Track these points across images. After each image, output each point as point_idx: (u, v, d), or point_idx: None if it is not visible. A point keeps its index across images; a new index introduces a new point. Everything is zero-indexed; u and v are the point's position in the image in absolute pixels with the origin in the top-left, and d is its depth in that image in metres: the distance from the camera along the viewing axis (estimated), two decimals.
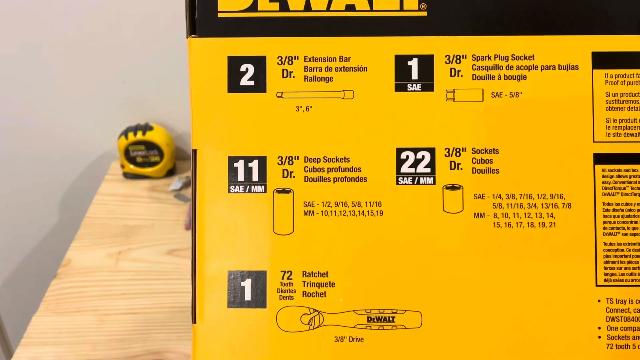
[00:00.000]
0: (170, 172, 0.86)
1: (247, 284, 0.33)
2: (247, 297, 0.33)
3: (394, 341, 0.33)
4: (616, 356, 0.33)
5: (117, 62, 0.82)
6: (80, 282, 0.68)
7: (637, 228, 0.33)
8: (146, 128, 0.84)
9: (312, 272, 0.33)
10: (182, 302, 0.64)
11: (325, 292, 0.33)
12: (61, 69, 0.82)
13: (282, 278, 0.33)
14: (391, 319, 0.33)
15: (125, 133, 0.83)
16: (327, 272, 0.33)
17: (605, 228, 0.33)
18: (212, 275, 0.33)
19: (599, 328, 0.33)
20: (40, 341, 0.60)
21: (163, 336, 0.60)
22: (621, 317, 0.33)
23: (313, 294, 0.33)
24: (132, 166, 0.84)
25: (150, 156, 0.83)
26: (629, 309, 0.33)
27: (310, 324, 0.33)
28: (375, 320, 0.33)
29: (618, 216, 0.33)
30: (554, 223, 0.33)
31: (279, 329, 0.33)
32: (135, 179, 0.85)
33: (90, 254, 0.71)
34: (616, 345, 0.33)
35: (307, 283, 0.33)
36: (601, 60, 0.33)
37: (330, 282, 0.33)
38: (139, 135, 0.83)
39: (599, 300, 0.33)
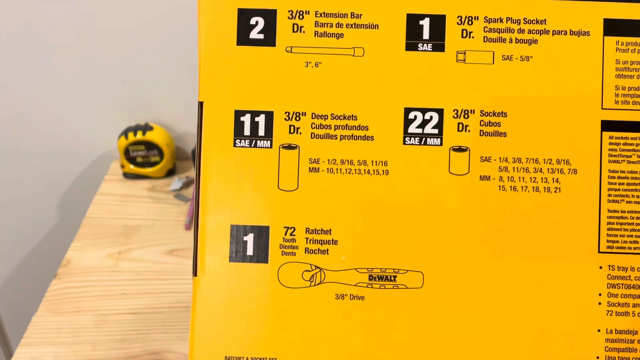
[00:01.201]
0: (170, 172, 0.85)
1: (249, 238, 0.33)
2: (249, 251, 0.33)
3: (394, 300, 0.33)
4: (616, 322, 0.33)
5: (117, 62, 0.82)
6: (80, 282, 0.67)
7: None
8: (146, 128, 0.83)
9: (315, 229, 0.33)
10: (182, 302, 0.64)
11: (327, 250, 0.33)
12: (61, 68, 0.82)
13: (285, 234, 0.33)
14: (393, 278, 0.33)
15: (125, 133, 0.83)
16: (330, 230, 0.33)
17: (610, 195, 0.33)
18: (215, 229, 0.33)
19: (600, 294, 0.33)
20: (40, 341, 0.60)
21: (163, 336, 0.60)
22: (622, 284, 0.33)
23: (315, 251, 0.33)
24: (132, 166, 0.84)
25: (150, 156, 0.83)
26: (630, 276, 0.33)
27: (311, 280, 0.33)
28: (377, 279, 0.33)
29: (623, 184, 0.33)
30: (559, 188, 0.33)
31: (280, 285, 0.33)
32: (135, 179, 0.85)
33: (90, 254, 0.71)
34: (616, 312, 0.33)
35: (310, 240, 0.33)
36: (613, 27, 0.33)
37: (333, 240, 0.33)
38: (139, 135, 0.82)
39: (600, 267, 0.33)
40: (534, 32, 0.33)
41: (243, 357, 0.33)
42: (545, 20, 0.33)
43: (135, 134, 0.82)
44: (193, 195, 0.81)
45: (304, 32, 0.33)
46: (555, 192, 0.33)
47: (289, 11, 0.33)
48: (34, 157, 0.89)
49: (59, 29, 0.80)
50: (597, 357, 0.33)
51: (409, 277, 0.33)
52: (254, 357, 0.33)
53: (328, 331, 0.33)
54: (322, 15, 0.33)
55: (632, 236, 0.33)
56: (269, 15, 0.33)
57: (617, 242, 0.33)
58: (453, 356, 0.33)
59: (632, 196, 0.33)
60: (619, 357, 0.33)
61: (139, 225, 0.76)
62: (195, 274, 0.33)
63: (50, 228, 0.95)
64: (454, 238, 0.33)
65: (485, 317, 0.33)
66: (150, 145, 0.83)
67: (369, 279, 0.33)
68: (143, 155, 0.83)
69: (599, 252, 0.33)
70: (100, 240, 0.73)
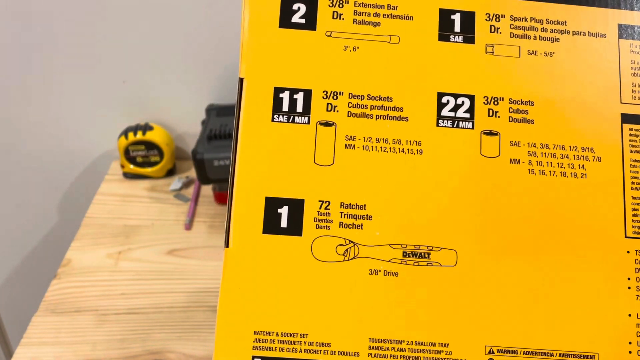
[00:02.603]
0: (170, 172, 0.85)
1: (284, 211, 0.33)
2: (283, 224, 0.33)
3: (428, 277, 0.33)
4: None
5: (117, 62, 0.83)
6: (80, 282, 0.66)
7: None
8: (146, 128, 0.83)
9: (350, 204, 0.33)
10: (182, 302, 0.63)
11: (362, 225, 0.33)
12: (61, 68, 0.82)
13: (320, 208, 0.33)
14: (426, 255, 0.33)
15: (125, 133, 0.83)
16: (364, 205, 0.33)
17: (633, 183, 0.34)
18: (249, 200, 0.33)
19: (629, 279, 0.33)
20: (40, 341, 0.58)
21: (163, 336, 0.59)
22: None
23: (350, 225, 0.33)
24: (132, 166, 0.83)
25: (150, 156, 0.83)
26: None
27: (345, 254, 0.33)
28: (411, 255, 0.33)
29: None
30: (585, 174, 0.34)
31: (313, 258, 0.33)
32: (135, 179, 0.84)
33: (90, 254, 0.70)
34: None
35: (345, 214, 0.33)
36: (626, 32, 0.36)
37: (367, 215, 0.33)
38: (139, 135, 0.82)
39: (628, 252, 0.34)
40: (555, 31, 0.36)
41: (273, 332, 0.32)
42: (565, 22, 0.36)
43: (135, 134, 0.82)
44: (193, 195, 0.80)
45: (343, 19, 0.35)
46: (581, 177, 0.34)
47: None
48: (34, 157, 0.88)
49: (59, 28, 0.80)
50: (630, 343, 0.33)
51: (443, 254, 0.33)
52: (285, 332, 0.32)
53: (361, 307, 0.32)
54: (361, 5, 0.35)
55: None
56: (311, 3, 0.35)
57: None
58: (485, 335, 0.32)
59: None
60: None
61: (139, 225, 0.74)
62: (227, 245, 0.33)
63: (50, 228, 0.93)
64: (486, 218, 0.33)
65: (516, 300, 0.33)
66: (150, 145, 0.82)
67: (403, 255, 0.33)
68: (143, 155, 0.82)
69: (626, 237, 0.34)
70: (100, 240, 0.72)
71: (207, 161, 0.74)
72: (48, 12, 0.79)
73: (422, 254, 0.33)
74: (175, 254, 0.70)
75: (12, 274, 0.96)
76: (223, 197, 0.79)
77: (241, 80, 0.34)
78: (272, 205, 0.33)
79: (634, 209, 0.34)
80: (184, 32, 0.81)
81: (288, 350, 0.32)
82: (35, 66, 0.82)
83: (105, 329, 0.60)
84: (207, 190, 0.83)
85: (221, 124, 0.79)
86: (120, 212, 0.77)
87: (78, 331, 0.60)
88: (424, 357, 0.32)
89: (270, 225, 0.33)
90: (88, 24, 0.80)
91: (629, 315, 0.33)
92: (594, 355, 0.32)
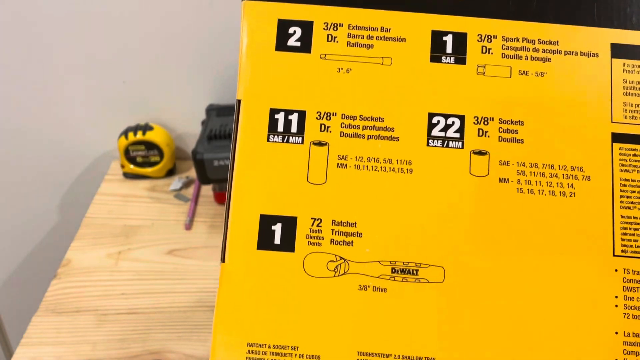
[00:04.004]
0: (170, 172, 0.86)
1: (277, 228, 0.34)
2: (277, 240, 0.34)
3: (416, 294, 0.34)
4: (632, 326, 0.33)
5: (117, 62, 0.83)
6: (80, 282, 0.67)
7: None
8: (146, 128, 0.84)
9: (341, 222, 0.35)
10: (182, 302, 0.64)
11: (352, 242, 0.34)
12: (61, 68, 0.83)
13: (312, 225, 0.35)
14: (415, 272, 0.34)
15: (125, 133, 0.84)
16: (355, 223, 0.35)
17: (622, 202, 0.35)
18: (245, 218, 0.35)
19: (616, 297, 0.34)
20: (40, 341, 0.60)
21: (163, 336, 0.60)
22: (638, 287, 0.34)
23: (340, 242, 0.34)
24: (132, 166, 0.84)
25: (150, 156, 0.84)
26: None
27: (335, 270, 0.34)
28: (400, 272, 0.34)
29: (634, 192, 0.35)
30: (574, 193, 0.35)
31: (305, 274, 0.34)
32: (135, 179, 0.85)
33: (90, 254, 0.71)
34: (633, 315, 0.34)
35: (336, 231, 0.34)
36: (619, 51, 0.36)
37: (358, 232, 0.34)
38: (139, 135, 0.83)
39: (615, 270, 0.34)
40: (547, 51, 0.36)
41: (265, 344, 0.33)
42: (557, 42, 0.37)
43: (135, 134, 0.83)
44: (193, 195, 0.81)
45: (337, 41, 0.36)
46: (570, 196, 0.35)
47: (324, 23, 0.37)
48: (34, 157, 0.89)
49: (59, 28, 0.81)
50: None
51: (431, 271, 0.34)
52: (276, 345, 0.33)
53: (350, 321, 0.33)
54: (355, 28, 0.37)
55: None
56: (306, 26, 0.37)
57: (631, 246, 0.34)
58: (471, 351, 0.33)
59: None
60: None
61: (139, 225, 0.76)
62: (223, 260, 0.34)
63: (50, 228, 0.94)
64: (474, 236, 0.34)
65: (503, 316, 0.34)
66: (150, 145, 0.83)
67: (392, 272, 0.34)
68: (143, 155, 0.83)
69: (614, 255, 0.34)
70: (100, 240, 0.73)
71: (207, 161, 0.75)
72: (48, 13, 0.80)
73: (411, 270, 0.34)
74: (175, 254, 0.71)
75: (12, 274, 0.98)
76: (223, 197, 0.80)
77: (238, 101, 0.36)
78: (266, 222, 0.35)
79: (622, 228, 0.35)
80: (184, 32, 0.81)
81: None
82: (36, 66, 0.83)
83: (106, 329, 0.61)
84: (207, 190, 0.83)
85: (221, 124, 0.80)
86: (120, 212, 0.78)
87: (78, 331, 0.61)
88: None
89: (265, 241, 0.34)
90: (88, 24, 0.81)
91: (616, 333, 0.33)
92: None
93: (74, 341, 0.60)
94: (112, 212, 0.79)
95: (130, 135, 0.83)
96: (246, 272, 0.34)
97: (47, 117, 0.87)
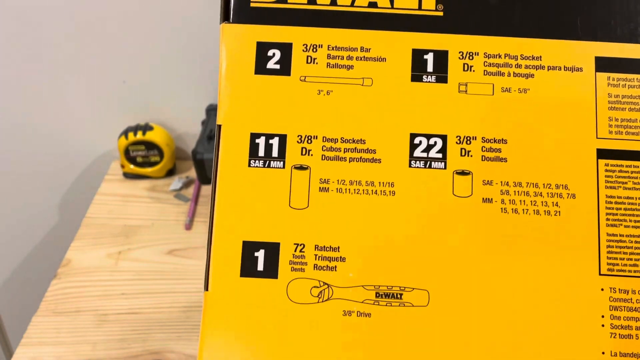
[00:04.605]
0: (170, 172, 0.86)
1: (260, 254, 0.34)
2: (260, 267, 0.34)
3: (400, 318, 0.34)
4: (619, 345, 0.33)
5: (117, 62, 0.83)
6: (80, 282, 0.68)
7: (638, 221, 0.34)
8: (146, 128, 0.84)
9: (324, 246, 0.34)
10: (182, 302, 0.64)
11: (335, 267, 0.34)
12: (61, 69, 0.83)
13: (295, 250, 0.34)
14: (399, 295, 0.34)
15: (125, 133, 0.84)
16: (338, 247, 0.34)
17: (608, 219, 0.34)
18: (227, 245, 0.34)
19: (602, 316, 0.34)
20: (40, 341, 0.60)
21: (163, 336, 0.60)
22: (624, 307, 0.34)
23: (324, 268, 0.34)
24: (132, 166, 0.84)
25: (150, 156, 0.84)
26: (631, 299, 0.34)
27: (319, 296, 0.34)
28: (384, 296, 0.34)
29: (620, 209, 0.35)
30: (559, 212, 0.35)
31: (288, 300, 0.34)
32: (135, 179, 0.85)
33: (90, 254, 0.72)
34: (619, 334, 0.33)
35: (319, 257, 0.34)
36: (604, 64, 0.36)
37: (341, 257, 0.34)
38: (139, 135, 0.83)
39: (602, 289, 0.34)
40: (530, 67, 0.36)
41: None
42: (540, 57, 0.36)
43: (135, 134, 0.83)
44: (193, 195, 0.81)
45: (317, 63, 0.36)
46: (555, 215, 0.35)
47: (303, 44, 0.36)
48: (34, 157, 0.90)
49: (59, 28, 0.81)
50: None
51: (415, 295, 0.34)
52: None
53: (334, 347, 0.33)
54: (334, 48, 0.36)
55: (631, 259, 0.34)
56: (285, 48, 0.36)
57: (617, 265, 0.34)
58: None
59: (630, 221, 0.34)
60: None
61: (139, 225, 0.76)
62: (206, 288, 0.34)
63: (50, 228, 0.95)
64: (458, 258, 0.34)
65: (489, 337, 0.33)
66: (150, 145, 0.83)
67: (376, 296, 0.34)
68: (143, 155, 0.84)
69: (600, 274, 0.34)
70: (100, 240, 0.74)
71: (207, 161, 0.75)
72: (48, 13, 0.80)
73: (395, 294, 0.34)
74: (175, 254, 0.71)
75: (12, 274, 0.98)
76: None
77: (219, 126, 0.36)
78: (249, 249, 0.34)
79: (608, 246, 0.34)
80: (184, 32, 0.81)
81: None
82: (36, 66, 0.83)
83: (106, 329, 0.61)
84: (207, 190, 0.83)
85: None
86: (120, 212, 0.79)
87: (78, 331, 0.61)
88: None
89: (247, 269, 0.34)
90: (88, 24, 0.81)
91: (603, 353, 0.33)
92: None
93: (74, 341, 0.60)
94: (112, 212, 0.79)
95: (130, 135, 0.84)
96: (230, 299, 0.34)
97: (47, 117, 0.87)
